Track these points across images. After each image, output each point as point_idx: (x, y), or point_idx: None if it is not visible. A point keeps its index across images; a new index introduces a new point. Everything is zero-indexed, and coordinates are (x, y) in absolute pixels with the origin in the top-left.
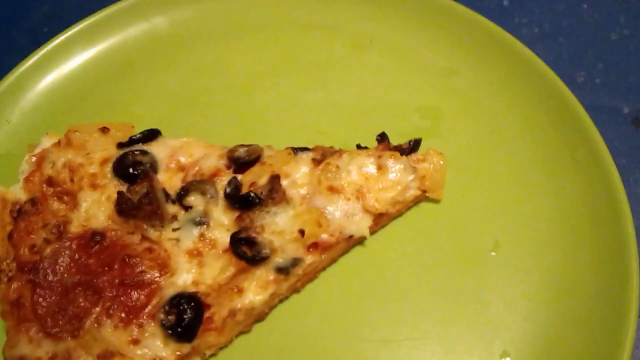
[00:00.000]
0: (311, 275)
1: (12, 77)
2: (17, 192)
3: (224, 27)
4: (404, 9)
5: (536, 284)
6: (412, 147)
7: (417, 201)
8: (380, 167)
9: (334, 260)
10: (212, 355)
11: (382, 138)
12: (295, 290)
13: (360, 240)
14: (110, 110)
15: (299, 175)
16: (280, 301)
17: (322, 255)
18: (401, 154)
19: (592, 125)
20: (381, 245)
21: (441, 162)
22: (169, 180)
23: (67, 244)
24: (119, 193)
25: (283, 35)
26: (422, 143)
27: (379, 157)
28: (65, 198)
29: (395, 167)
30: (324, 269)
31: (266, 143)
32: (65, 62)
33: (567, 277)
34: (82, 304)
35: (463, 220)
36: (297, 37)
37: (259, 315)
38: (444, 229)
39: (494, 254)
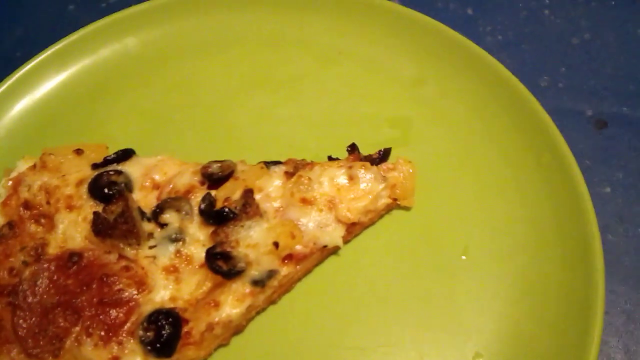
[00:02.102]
0: (287, 287)
1: None
2: None
3: (195, 45)
4: (369, 22)
5: (505, 286)
6: (382, 156)
7: (388, 209)
8: (351, 178)
9: (309, 271)
10: None
11: (353, 149)
12: (272, 301)
13: (334, 250)
14: (84, 131)
15: (272, 189)
16: (258, 313)
17: (297, 267)
18: (371, 164)
19: (555, 130)
20: (355, 254)
21: (410, 170)
22: (144, 198)
23: (45, 265)
24: (95, 213)
25: (253, 52)
26: (393, 152)
27: (350, 167)
28: (42, 220)
29: (366, 176)
30: (299, 279)
31: (239, 158)
32: (39, 85)
33: (535, 279)
34: (62, 324)
35: (434, 226)
36: (267, 52)
37: (237, 328)
38: (416, 235)
39: (464, 257)
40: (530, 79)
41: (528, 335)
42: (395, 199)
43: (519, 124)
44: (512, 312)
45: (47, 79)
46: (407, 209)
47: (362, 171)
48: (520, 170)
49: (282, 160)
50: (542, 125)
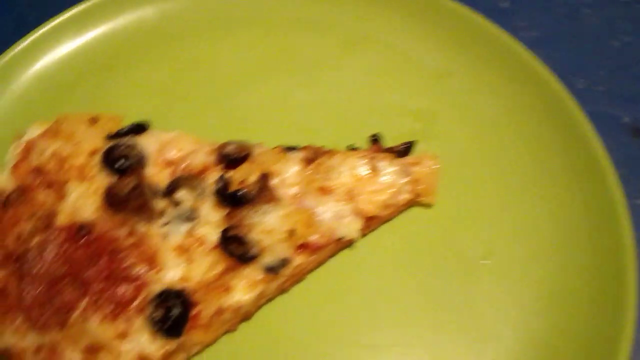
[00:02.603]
0: (299, 277)
1: None
2: (3, 181)
3: (215, 21)
4: (398, 7)
5: (529, 295)
6: (406, 149)
7: (408, 205)
8: (372, 169)
9: (322, 262)
10: (197, 353)
11: (376, 139)
12: (282, 290)
13: (350, 243)
14: (97, 101)
15: (288, 175)
16: (268, 301)
17: (311, 257)
18: (394, 157)
19: (593, 135)
20: (370, 249)
21: (435, 166)
22: (157, 174)
23: (54, 235)
24: (108, 185)
25: (274, 32)
26: (414, 146)
27: (372, 158)
28: (53, 188)
29: (388, 169)
30: (312, 270)
31: (255, 141)
32: (52, 50)
33: (561, 289)
34: (69, 296)
35: (455, 227)
36: (289, 34)
37: (245, 315)
38: (436, 234)
39: (486, 262)
40: (566, 80)
41: (551, 348)
42: (416, 195)
43: (553, 126)
44: (534, 322)
45: (62, 45)
46: (427, 206)
47: (384, 163)
48: (551, 173)
49: (299, 146)
50: (579, 128)
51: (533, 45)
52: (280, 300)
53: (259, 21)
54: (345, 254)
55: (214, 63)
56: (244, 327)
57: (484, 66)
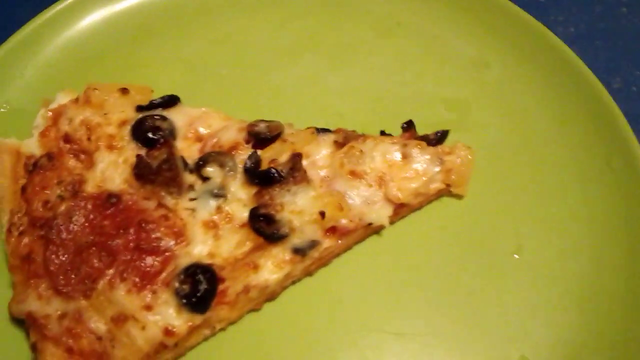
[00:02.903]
0: (325, 260)
1: (27, 29)
2: (31, 146)
3: None
4: None
5: (560, 291)
6: (439, 138)
7: (439, 195)
8: (405, 156)
9: (349, 247)
10: (221, 329)
11: (409, 126)
12: (308, 273)
13: (378, 229)
14: (126, 72)
15: (319, 157)
16: (293, 283)
17: (339, 241)
18: (427, 145)
19: (631, 134)
20: (398, 237)
21: (469, 157)
22: (186, 149)
23: (82, 203)
24: (138, 157)
25: (307, 12)
26: (447, 136)
27: (405, 145)
28: (82, 156)
29: (421, 157)
30: (338, 254)
31: (285, 121)
32: (83, 19)
33: (593, 287)
34: (96, 264)
35: (486, 220)
36: (321, 15)
37: (270, 294)
38: (466, 226)
39: (516, 256)
40: (602, 78)
41: (580, 346)
42: (448, 185)
43: (590, 123)
44: (565, 319)
45: (92, 13)
46: (458, 197)
47: (417, 151)
48: (586, 170)
49: (330, 129)
50: (617, 127)
51: (569, 41)
52: (305, 282)
53: (291, 0)
54: (372, 240)
55: (245, 40)
56: (268, 307)
57: (521, 59)
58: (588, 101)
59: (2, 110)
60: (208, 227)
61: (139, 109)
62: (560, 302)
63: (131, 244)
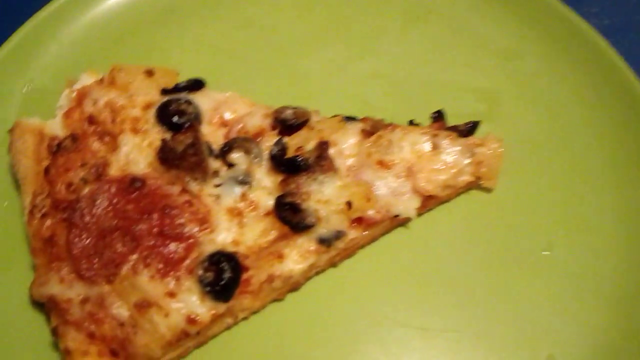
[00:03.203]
0: (350, 251)
1: (52, 7)
2: (55, 127)
3: None
4: None
5: (590, 290)
6: (470, 129)
7: (468, 188)
8: (434, 147)
9: (374, 239)
10: (244, 319)
11: (439, 116)
12: (332, 264)
13: (404, 222)
14: (150, 54)
15: (346, 146)
16: (317, 273)
17: (365, 232)
18: (457, 136)
19: None
20: (425, 230)
21: (500, 150)
22: (212, 134)
23: (105, 186)
24: (163, 141)
25: None
26: (478, 127)
27: (434, 135)
28: (106, 139)
29: (452, 148)
30: (363, 246)
31: (311, 108)
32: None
33: (625, 286)
34: (119, 249)
35: (515, 215)
36: (350, 1)
37: (294, 285)
38: (494, 221)
39: (547, 253)
40: (637, 71)
41: (611, 347)
42: (477, 178)
43: (627, 119)
44: (595, 319)
45: None
46: (487, 190)
47: (447, 142)
48: (619, 165)
49: (358, 117)
50: None
51: (603, 33)
52: (329, 273)
53: None
54: (398, 232)
55: (272, 25)
56: (291, 297)
57: (555, 50)
58: (622, 94)
59: (25, 89)
60: (232, 214)
61: (164, 92)
62: (590, 300)
63: (155, 229)
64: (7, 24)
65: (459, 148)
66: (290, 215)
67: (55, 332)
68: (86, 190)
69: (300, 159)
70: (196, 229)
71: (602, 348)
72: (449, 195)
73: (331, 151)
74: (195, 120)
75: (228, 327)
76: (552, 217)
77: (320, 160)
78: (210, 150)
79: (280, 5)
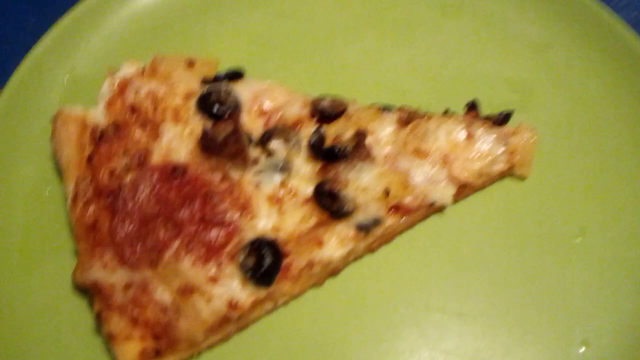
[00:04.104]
0: (388, 238)
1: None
2: (97, 116)
3: None
4: None
5: (623, 276)
6: (504, 119)
7: (502, 176)
8: (469, 136)
9: (411, 226)
10: (284, 304)
11: (473, 106)
12: (370, 250)
13: (440, 209)
14: (190, 44)
15: (382, 134)
16: (355, 259)
17: (402, 219)
18: (491, 125)
19: None
20: (461, 217)
21: (533, 138)
22: (251, 122)
23: (147, 174)
24: (204, 129)
25: None
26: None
27: (469, 125)
28: (147, 127)
29: (486, 137)
30: (400, 232)
31: (348, 97)
32: None
33: None
34: (162, 235)
35: (548, 202)
36: None
37: (333, 270)
38: (528, 208)
39: (579, 240)
40: None
41: None
42: (511, 166)
43: None
44: (628, 305)
45: None
46: (521, 178)
47: (482, 131)
48: None
49: (394, 106)
50: None
51: (631, 25)
52: (367, 259)
53: None
54: (434, 219)
55: (310, 15)
56: (330, 283)
57: (585, 42)
58: None
59: (66, 77)
60: (272, 201)
61: (205, 81)
62: (623, 286)
63: (197, 216)
64: (50, 13)
65: (493, 137)
66: (329, 202)
67: (98, 317)
68: (128, 177)
69: (338, 148)
70: (237, 215)
71: (635, 332)
72: (484, 183)
73: (368, 140)
74: (235, 109)
75: (268, 313)
76: (584, 205)
77: (357, 149)
78: (250, 139)
79: None
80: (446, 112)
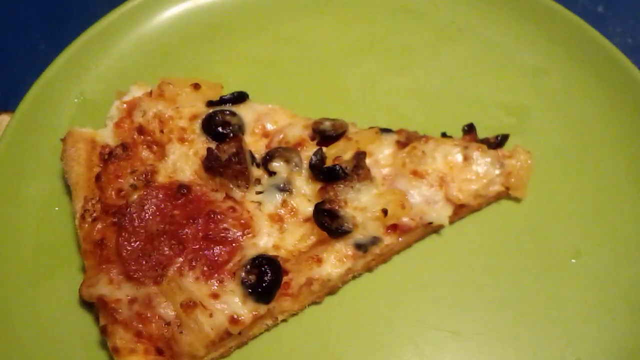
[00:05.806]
0: (385, 257)
1: (103, 23)
2: (106, 136)
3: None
4: (496, 2)
5: (617, 297)
6: (500, 142)
7: (498, 198)
8: (466, 158)
9: (408, 245)
10: (284, 320)
11: (470, 129)
12: (368, 269)
13: (437, 229)
14: (195, 68)
15: (382, 156)
16: (353, 277)
17: (400, 238)
18: (488, 148)
19: None
20: (457, 238)
21: (529, 161)
22: (254, 144)
23: (154, 192)
24: (209, 149)
25: (371, 15)
26: (507, 140)
27: (466, 147)
28: (154, 148)
29: (482, 160)
30: (398, 252)
31: (348, 120)
32: (156, 15)
33: None
34: (166, 252)
35: (543, 224)
36: (384, 18)
37: (332, 288)
38: (523, 229)
39: (574, 261)
40: None
41: (638, 354)
42: (507, 188)
43: None
44: (621, 325)
45: (165, 10)
46: (517, 200)
47: (478, 153)
48: None
49: (394, 129)
50: None
51: (626, 52)
52: (365, 278)
53: (356, 3)
54: (431, 239)
55: (311, 40)
56: (329, 301)
57: (580, 68)
58: None
59: (76, 100)
60: (274, 220)
61: (210, 104)
62: (616, 307)
63: (200, 234)
64: (60, 39)
65: (489, 159)
66: (328, 221)
67: (104, 331)
68: (135, 196)
69: (338, 168)
70: (239, 233)
71: (628, 353)
72: (480, 204)
73: (367, 161)
74: (238, 130)
75: (268, 329)
76: (579, 227)
77: (357, 170)
78: (253, 159)
79: (319, 23)
80: (444, 135)
